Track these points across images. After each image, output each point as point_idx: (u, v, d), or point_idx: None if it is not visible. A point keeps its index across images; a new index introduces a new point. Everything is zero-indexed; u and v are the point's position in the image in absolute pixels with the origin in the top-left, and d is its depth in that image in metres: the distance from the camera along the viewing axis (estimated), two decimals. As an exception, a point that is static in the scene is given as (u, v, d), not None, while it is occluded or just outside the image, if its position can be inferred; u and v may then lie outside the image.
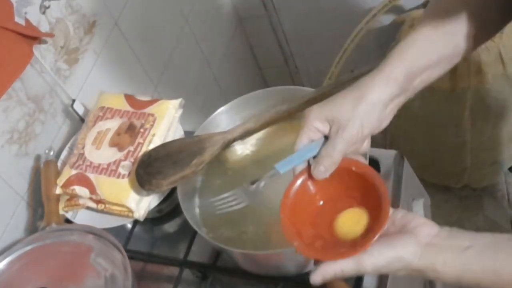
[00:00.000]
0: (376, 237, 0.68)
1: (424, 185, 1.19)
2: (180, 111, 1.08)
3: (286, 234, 0.73)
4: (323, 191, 0.77)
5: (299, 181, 0.77)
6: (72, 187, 1.03)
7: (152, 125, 1.04)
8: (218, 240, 0.93)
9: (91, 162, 1.04)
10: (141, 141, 1.03)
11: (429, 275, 0.68)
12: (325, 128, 0.76)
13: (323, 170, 0.75)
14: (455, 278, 0.67)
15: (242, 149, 1.04)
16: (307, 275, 0.92)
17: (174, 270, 1.00)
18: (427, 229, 0.69)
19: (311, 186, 0.77)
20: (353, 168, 0.76)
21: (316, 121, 0.76)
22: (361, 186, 0.76)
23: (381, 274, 0.70)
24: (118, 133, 1.05)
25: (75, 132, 1.17)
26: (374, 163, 1.00)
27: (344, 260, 0.69)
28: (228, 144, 0.99)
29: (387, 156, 1.02)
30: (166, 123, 1.05)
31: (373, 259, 0.68)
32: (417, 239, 0.68)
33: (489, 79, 1.56)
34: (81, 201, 1.04)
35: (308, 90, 1.01)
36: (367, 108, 0.75)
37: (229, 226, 0.97)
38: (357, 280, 0.91)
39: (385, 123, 0.79)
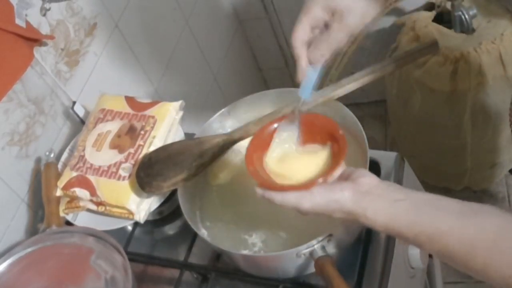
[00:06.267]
0: (320, 180, 0.76)
1: (424, 187, 1.19)
2: (180, 113, 1.08)
3: (246, 160, 0.83)
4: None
5: (275, 125, 0.86)
6: (72, 189, 1.03)
7: (152, 127, 1.04)
8: (218, 242, 0.93)
9: (91, 164, 1.04)
10: (141, 143, 1.03)
11: (361, 220, 0.74)
12: (325, 16, 0.80)
13: (319, 55, 0.81)
14: (383, 227, 0.73)
15: (243, 150, 1.04)
16: (306, 277, 0.93)
17: (174, 272, 1.00)
18: (367, 179, 0.75)
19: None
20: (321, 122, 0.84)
21: (318, 8, 0.80)
22: (327, 137, 0.84)
23: (319, 213, 0.77)
24: (118, 135, 1.05)
25: (75, 134, 1.17)
26: (374, 165, 1.00)
27: (288, 192, 0.77)
28: (229, 146, 0.99)
29: (387, 158, 1.02)
30: (167, 125, 1.05)
31: (312, 198, 0.75)
32: (355, 186, 0.75)
33: (489, 81, 1.56)
34: (81, 203, 1.04)
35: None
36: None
37: (229, 228, 0.97)
38: (358, 281, 0.91)
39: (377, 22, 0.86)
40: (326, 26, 0.81)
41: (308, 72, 0.83)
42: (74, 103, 1.17)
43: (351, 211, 0.74)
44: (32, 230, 1.09)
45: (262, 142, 0.86)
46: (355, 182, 0.75)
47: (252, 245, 0.94)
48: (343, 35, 0.81)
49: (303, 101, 0.85)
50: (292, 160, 0.84)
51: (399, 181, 1.01)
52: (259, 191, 0.79)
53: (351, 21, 0.80)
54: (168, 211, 1.08)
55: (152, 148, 1.02)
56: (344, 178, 0.78)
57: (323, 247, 0.86)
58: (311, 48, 0.82)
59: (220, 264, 0.99)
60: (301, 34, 0.82)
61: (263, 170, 0.83)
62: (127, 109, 1.09)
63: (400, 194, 0.73)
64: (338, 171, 0.78)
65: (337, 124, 0.84)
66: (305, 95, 0.85)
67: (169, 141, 1.05)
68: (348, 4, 0.79)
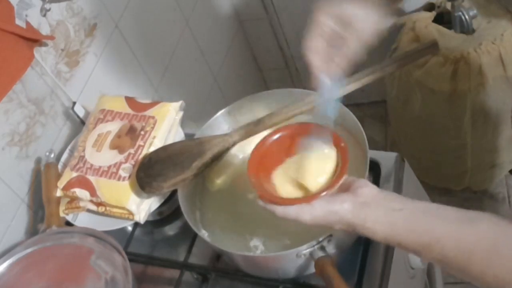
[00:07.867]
0: (322, 194, 0.77)
1: (424, 188, 1.19)
2: (180, 114, 1.08)
3: (248, 171, 0.83)
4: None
5: (277, 135, 0.87)
6: (72, 190, 1.03)
7: (152, 128, 1.04)
8: (218, 243, 0.93)
9: (91, 165, 1.04)
10: (141, 143, 1.03)
11: (361, 231, 0.74)
12: (335, 26, 0.78)
13: (335, 66, 0.79)
14: (383, 237, 0.73)
15: (243, 151, 1.04)
16: (307, 277, 0.93)
17: (174, 273, 1.00)
18: (366, 190, 0.75)
19: (287, 142, 0.86)
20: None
21: (326, 17, 0.78)
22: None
23: (320, 225, 0.77)
24: (118, 135, 1.06)
25: (75, 134, 1.17)
26: (375, 165, 1.00)
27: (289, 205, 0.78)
28: (229, 147, 0.99)
29: (388, 158, 1.02)
30: (167, 126, 1.05)
31: (313, 210, 0.76)
32: (354, 197, 0.75)
33: (489, 81, 1.56)
34: (81, 204, 1.04)
35: (309, 92, 1.01)
36: (376, 5, 0.79)
37: (230, 228, 0.97)
38: (358, 281, 0.91)
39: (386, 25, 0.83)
40: (341, 38, 0.79)
41: (325, 86, 0.80)
42: (74, 103, 1.17)
43: (350, 222, 0.74)
44: (32, 231, 1.09)
45: (268, 153, 0.86)
46: (355, 194, 0.75)
47: (254, 247, 0.94)
48: (357, 45, 0.79)
49: (330, 118, 0.83)
50: (302, 167, 0.84)
51: (399, 181, 1.01)
52: (260, 203, 0.80)
53: (363, 30, 0.78)
54: (168, 212, 1.08)
55: (152, 149, 1.02)
56: (344, 189, 0.78)
57: (323, 248, 0.86)
58: (326, 60, 0.79)
59: (220, 265, 0.99)
60: (311, 42, 0.79)
61: (268, 181, 0.83)
62: (127, 109, 1.09)
63: (398, 204, 0.74)
64: (340, 184, 0.78)
65: (339, 135, 0.83)
66: (331, 112, 0.82)
67: (169, 141, 1.05)
68: (357, 13, 0.78)
